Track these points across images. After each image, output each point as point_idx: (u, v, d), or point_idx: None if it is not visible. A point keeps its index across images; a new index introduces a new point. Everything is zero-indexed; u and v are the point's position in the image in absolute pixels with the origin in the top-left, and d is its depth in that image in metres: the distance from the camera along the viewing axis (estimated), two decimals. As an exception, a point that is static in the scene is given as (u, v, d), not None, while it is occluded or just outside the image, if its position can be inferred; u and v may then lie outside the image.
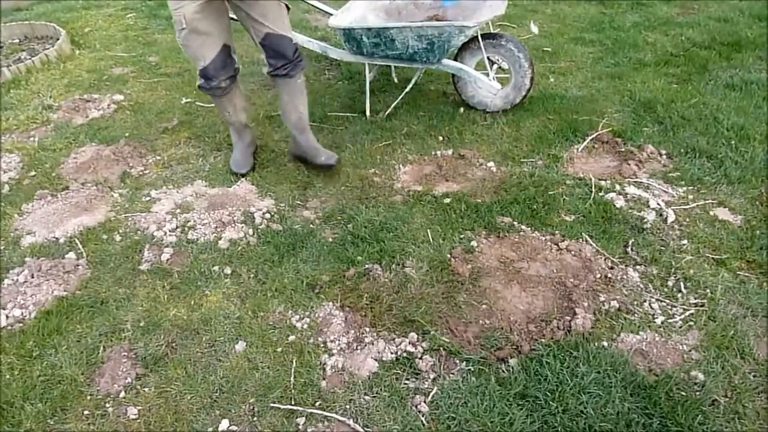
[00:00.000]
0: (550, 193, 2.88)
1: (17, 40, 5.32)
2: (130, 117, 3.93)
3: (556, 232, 2.64)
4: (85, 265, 2.65)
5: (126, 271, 2.60)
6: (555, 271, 2.45)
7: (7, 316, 2.40)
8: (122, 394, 2.07)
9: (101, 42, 5.29)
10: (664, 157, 3.13)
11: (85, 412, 2.02)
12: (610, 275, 2.39)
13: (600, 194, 2.85)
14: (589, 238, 2.58)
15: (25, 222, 2.97)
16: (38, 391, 2.08)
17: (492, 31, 3.59)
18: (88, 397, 2.07)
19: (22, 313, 2.41)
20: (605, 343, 2.10)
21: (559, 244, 2.57)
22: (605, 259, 2.48)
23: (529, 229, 2.68)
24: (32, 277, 2.57)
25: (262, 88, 4.25)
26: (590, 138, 3.31)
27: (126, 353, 2.22)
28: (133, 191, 3.14)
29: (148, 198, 3.07)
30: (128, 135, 3.68)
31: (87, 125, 3.83)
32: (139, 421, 1.98)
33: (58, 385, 2.10)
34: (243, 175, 3.20)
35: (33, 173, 3.36)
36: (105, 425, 1.97)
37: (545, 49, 4.56)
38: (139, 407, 2.02)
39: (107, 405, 2.04)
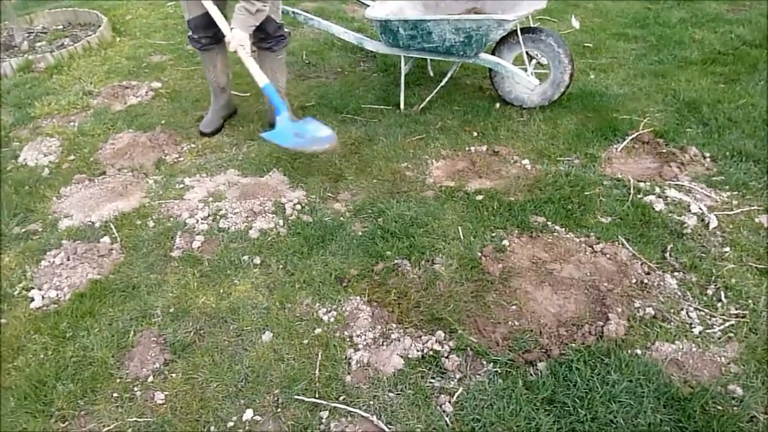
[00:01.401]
0: (586, 193, 2.81)
1: (61, 27, 5.43)
2: (167, 104, 3.98)
3: (591, 233, 2.58)
4: (119, 250, 2.69)
5: (158, 257, 2.63)
6: (588, 274, 2.39)
7: (43, 297, 2.46)
8: (150, 379, 2.10)
9: (141, 30, 5.37)
10: (708, 159, 3.02)
11: (114, 395, 2.05)
12: (646, 281, 2.32)
13: (638, 196, 2.77)
14: (625, 242, 2.51)
15: (62, 205, 3.04)
16: (70, 371, 2.13)
17: (531, 26, 3.51)
18: (118, 380, 2.10)
19: (57, 295, 2.47)
20: (639, 351, 2.04)
21: (594, 246, 2.51)
22: (642, 264, 2.40)
23: (563, 229, 2.62)
24: (68, 260, 2.62)
25: (297, 79, 4.25)
26: (630, 138, 3.21)
27: (155, 338, 2.25)
28: (167, 178, 3.18)
29: (181, 185, 3.11)
30: (164, 122, 3.72)
31: (125, 112, 3.90)
32: (165, 406, 2.00)
33: (89, 367, 2.14)
34: (205, 134, 3.54)
35: (72, 157, 3.43)
36: (132, 408, 2.00)
37: (586, 44, 4.45)
38: (166, 392, 2.04)
39: (135, 389, 2.07)
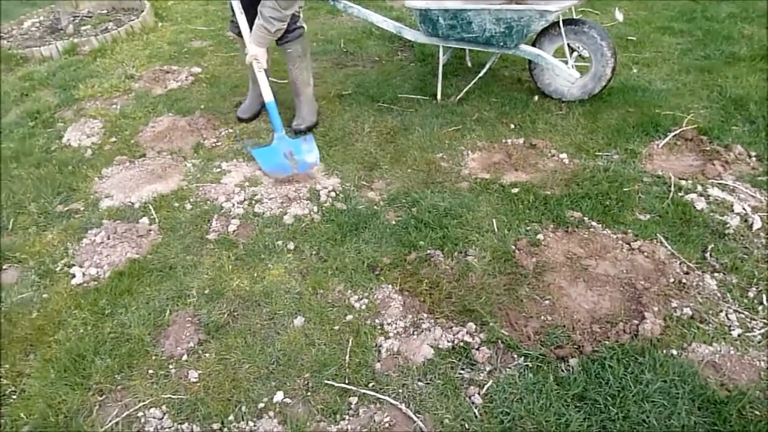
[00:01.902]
0: (624, 189, 2.76)
1: (105, 11, 5.55)
2: (206, 89, 4.03)
3: (629, 230, 2.53)
4: (157, 231, 2.75)
5: (194, 239, 2.68)
6: (625, 271, 2.35)
7: (84, 274, 2.53)
8: (184, 358, 2.15)
9: (182, 15, 5.45)
10: (754, 159, 2.93)
11: (150, 371, 2.11)
12: (684, 281, 2.27)
13: (679, 194, 2.71)
14: (664, 240, 2.46)
15: (104, 185, 3.11)
16: (108, 347, 2.19)
17: (574, 17, 3.45)
18: (153, 357, 2.16)
19: (97, 272, 2.54)
20: (674, 352, 2.00)
21: (631, 243, 2.46)
22: (680, 263, 2.35)
23: (600, 225, 2.58)
24: (108, 239, 2.69)
25: (334, 67, 4.26)
26: (673, 134, 3.14)
27: (190, 318, 2.30)
28: (205, 162, 3.23)
29: (218, 169, 3.16)
30: (203, 107, 3.78)
31: (165, 96, 3.97)
32: (198, 384, 2.05)
33: (126, 343, 2.20)
34: (243, 120, 3.56)
35: (113, 139, 3.51)
36: (167, 385, 2.05)
37: (629, 37, 4.35)
38: (200, 371, 2.09)
39: (170, 366, 2.12)
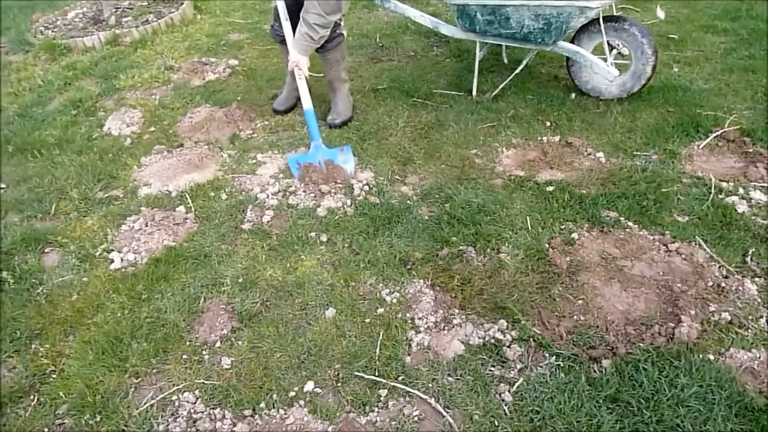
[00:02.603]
0: (663, 190, 2.70)
1: (146, 3, 5.64)
2: (243, 82, 4.08)
3: (667, 232, 2.48)
4: (193, 219, 2.80)
5: (229, 228, 2.72)
6: (661, 273, 2.30)
7: (122, 259, 2.59)
8: (218, 344, 2.18)
9: (221, 8, 5.51)
10: (799, 162, 2.84)
11: (184, 356, 2.15)
12: (723, 285, 2.21)
13: (720, 196, 2.64)
14: (703, 243, 2.40)
15: (143, 174, 3.18)
16: (144, 331, 2.24)
17: (614, 14, 3.38)
18: (188, 343, 2.20)
19: (134, 258, 2.59)
20: (711, 357, 1.96)
21: (669, 245, 2.41)
22: (719, 267, 2.29)
23: (637, 226, 2.53)
24: (146, 226, 2.75)
25: (370, 61, 4.26)
26: (714, 135, 3.06)
27: (224, 306, 2.33)
28: (241, 153, 3.27)
29: (254, 161, 3.19)
30: (240, 99, 3.82)
31: (203, 87, 4.02)
32: (231, 371, 2.08)
33: (161, 328, 2.25)
34: (279, 112, 3.60)
35: (152, 129, 3.58)
36: (200, 371, 2.09)
37: (671, 35, 4.25)
38: (232, 358, 2.12)
39: (204, 352, 2.16)
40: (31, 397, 2.06)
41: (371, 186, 2.92)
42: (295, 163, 3.06)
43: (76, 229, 2.79)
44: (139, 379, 2.09)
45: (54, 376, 2.13)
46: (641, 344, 2.02)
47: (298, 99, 3.68)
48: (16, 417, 2.00)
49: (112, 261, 2.58)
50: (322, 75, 3.96)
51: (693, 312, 2.10)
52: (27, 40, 5.00)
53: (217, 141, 3.40)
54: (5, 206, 2.99)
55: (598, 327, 2.12)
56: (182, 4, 5.34)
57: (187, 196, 2.93)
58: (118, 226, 2.78)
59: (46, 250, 2.71)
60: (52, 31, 5.14)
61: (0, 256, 2.65)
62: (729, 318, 2.08)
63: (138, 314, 2.31)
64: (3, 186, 3.17)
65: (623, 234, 2.50)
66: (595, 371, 1.97)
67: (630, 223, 2.55)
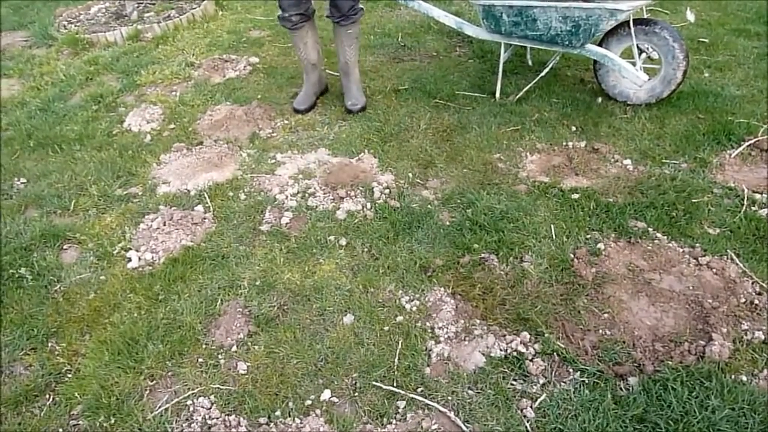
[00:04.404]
0: (693, 200, 2.62)
1: (168, -2, 5.64)
2: (263, 80, 4.05)
3: (697, 245, 2.40)
4: (211, 219, 2.77)
5: (247, 229, 2.69)
6: (691, 288, 2.22)
7: (140, 258, 2.57)
8: (234, 349, 2.15)
9: (242, 5, 5.49)
10: (837, 174, 2.74)
11: (200, 360, 2.12)
12: (757, 302, 2.13)
13: (752, 208, 2.55)
14: (735, 257, 2.32)
15: (161, 171, 3.16)
16: (160, 332, 2.21)
17: (645, 17, 3.29)
18: (203, 346, 2.17)
19: (152, 257, 2.57)
20: (744, 378, 1.89)
21: (699, 258, 2.33)
22: (753, 283, 2.21)
23: (666, 237, 2.46)
24: (164, 225, 2.73)
25: (391, 61, 4.21)
26: (747, 144, 2.96)
27: (241, 309, 2.30)
28: (261, 152, 3.23)
29: (273, 160, 3.16)
30: (260, 97, 3.79)
31: (223, 84, 4.00)
32: (247, 376, 2.04)
33: (178, 330, 2.22)
34: (299, 111, 3.58)
35: (172, 126, 3.56)
36: (216, 375, 2.06)
37: (701, 39, 4.14)
38: (249, 364, 2.08)
39: (220, 356, 2.13)
40: (47, 396, 2.05)
41: (392, 189, 2.87)
42: None
43: (95, 226, 2.77)
44: (154, 382, 2.06)
45: (69, 375, 2.11)
46: (670, 362, 1.95)
47: (318, 97, 3.66)
48: (31, 416, 1.98)
49: (130, 260, 2.56)
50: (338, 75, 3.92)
51: (725, 330, 2.03)
52: (50, 34, 5.01)
53: (237, 139, 3.38)
54: (25, 201, 2.99)
55: (624, 342, 2.05)
56: (204, 0, 5.32)
57: (206, 195, 2.91)
58: (137, 225, 2.77)
59: (64, 247, 2.70)
60: (75, 26, 5.15)
61: (19, 251, 2.64)
62: (762, 337, 2.00)
63: (154, 315, 2.29)
64: (24, 181, 3.17)
65: (651, 245, 2.42)
66: (621, 389, 1.91)
67: (658, 235, 2.47)
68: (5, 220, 2.85)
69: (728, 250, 2.35)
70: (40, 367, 2.13)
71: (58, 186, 3.08)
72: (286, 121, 3.53)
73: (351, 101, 3.53)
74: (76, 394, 2.02)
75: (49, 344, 2.23)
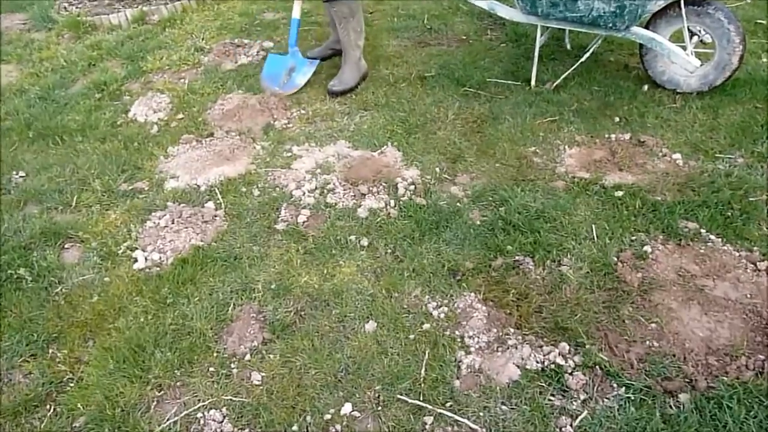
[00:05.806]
0: (750, 199, 2.57)
1: (176, -22, 5.68)
2: (278, 66, 4.06)
3: (755, 248, 2.35)
4: (223, 217, 2.79)
5: (261, 228, 2.70)
6: (749, 296, 2.18)
7: (146, 259, 2.59)
8: (247, 357, 2.16)
9: (255, -16, 5.51)
10: None
11: (211, 369, 2.13)
12: (823, 312, 2.09)
13: (818, 208, 2.50)
14: (798, 262, 2.28)
15: (169, 165, 3.18)
16: (168, 339, 2.23)
17: (697, -4, 3.24)
18: (215, 354, 2.18)
19: (160, 258, 2.59)
20: (809, 396, 1.85)
21: (757, 263, 2.29)
22: (818, 291, 2.17)
23: (720, 240, 2.42)
24: (173, 223, 2.75)
25: (416, 46, 4.20)
26: (811, 137, 2.90)
27: (255, 315, 2.31)
28: (275, 145, 3.25)
29: (289, 154, 3.16)
30: (274, 85, 3.80)
31: (235, 71, 4.02)
32: (261, 388, 2.05)
33: (187, 337, 2.24)
34: (311, 58, 3.88)
35: (180, 116, 3.59)
36: (228, 386, 2.07)
37: (758, 21, 4.07)
38: (263, 374, 2.09)
39: (232, 365, 2.14)
40: (47, 406, 2.08)
41: (417, 185, 2.86)
42: (271, 62, 3.77)
43: (98, 224, 2.81)
44: (162, 393, 2.08)
45: (72, 384, 2.14)
46: (725, 378, 1.92)
47: (332, 54, 3.99)
48: (31, 428, 2.01)
49: (136, 260, 2.59)
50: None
51: (787, 343, 1.99)
52: (50, 16, 5.09)
53: (250, 131, 3.39)
54: (25, 196, 3.03)
55: (674, 355, 2.02)
56: (214, -21, 5.36)
57: (217, 191, 2.92)
58: (143, 222, 2.79)
59: (66, 246, 2.73)
60: (77, 8, 5.22)
61: (18, 250, 2.68)
62: (830, 352, 1.96)
63: (162, 320, 2.31)
64: (23, 174, 3.22)
65: (704, 249, 2.38)
66: (671, 407, 1.88)
67: (712, 237, 2.43)
68: (3, 216, 2.90)
69: (791, 255, 2.31)
70: (41, 375, 2.16)
71: (59, 180, 3.12)
72: (302, 111, 3.54)
73: (333, 81, 3.66)
74: (79, 405, 2.05)
75: (50, 351, 2.26)
